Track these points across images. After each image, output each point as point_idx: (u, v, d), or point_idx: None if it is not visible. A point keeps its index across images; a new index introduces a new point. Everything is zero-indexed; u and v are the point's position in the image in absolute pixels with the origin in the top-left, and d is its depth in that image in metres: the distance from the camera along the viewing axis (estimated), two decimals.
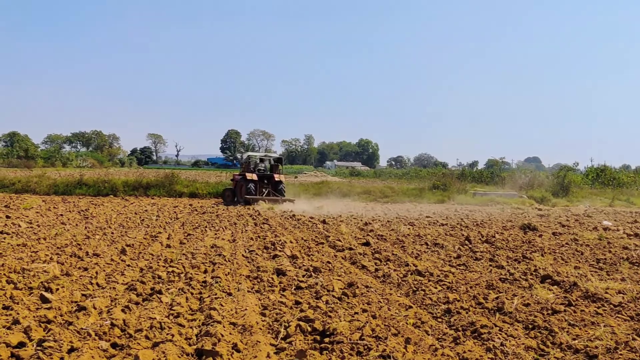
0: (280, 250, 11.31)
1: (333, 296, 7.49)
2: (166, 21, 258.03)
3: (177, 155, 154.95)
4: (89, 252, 10.55)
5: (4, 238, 12.09)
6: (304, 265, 9.75)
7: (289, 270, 9.17)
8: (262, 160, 28.53)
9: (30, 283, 7.59)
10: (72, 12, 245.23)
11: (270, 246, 12.08)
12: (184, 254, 10.71)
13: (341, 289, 8.09)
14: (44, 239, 12.25)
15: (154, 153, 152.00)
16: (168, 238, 13.22)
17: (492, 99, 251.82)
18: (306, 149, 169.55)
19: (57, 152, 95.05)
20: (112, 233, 13.70)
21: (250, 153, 28.64)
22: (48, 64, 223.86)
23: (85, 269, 8.96)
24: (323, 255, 11.20)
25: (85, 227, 14.64)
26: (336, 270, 9.51)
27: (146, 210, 20.57)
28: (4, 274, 8.07)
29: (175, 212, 20.66)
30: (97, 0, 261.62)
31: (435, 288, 8.25)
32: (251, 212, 21.26)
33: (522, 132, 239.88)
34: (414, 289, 8.19)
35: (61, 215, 17.82)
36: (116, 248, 11.18)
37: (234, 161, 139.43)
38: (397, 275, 9.21)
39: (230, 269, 9.31)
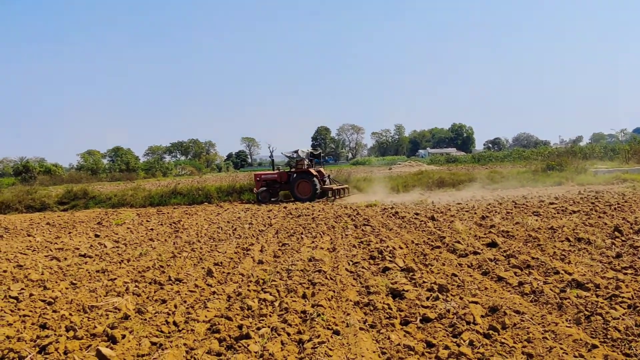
0: (390, 261, 9.40)
1: (477, 331, 5.49)
2: (247, 24, 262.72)
3: (270, 156, 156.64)
4: (171, 276, 9.18)
5: (86, 262, 11.09)
6: (424, 282, 7.76)
7: (407, 291, 7.25)
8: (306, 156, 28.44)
9: (94, 328, 6.19)
10: (167, 25, 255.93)
11: (378, 255, 10.18)
12: (278, 272, 9.09)
13: (483, 316, 6.08)
14: (127, 260, 11.13)
15: (248, 156, 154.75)
16: (261, 251, 11.71)
17: (590, 67, 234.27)
18: (397, 139, 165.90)
19: (157, 162, 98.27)
20: (201, 248, 12.39)
21: (301, 150, 27.96)
22: (148, 79, 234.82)
23: (163, 301, 7.54)
24: (444, 264, 9.16)
25: (174, 243, 13.48)
26: (467, 287, 7.47)
27: (239, 218, 19.35)
28: (67, 316, 6.77)
29: (269, 217, 19.30)
30: (187, 8, 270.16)
31: (614, 309, 5.99)
32: (349, 211, 19.49)
33: (625, 100, 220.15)
34: (586, 312, 5.98)
35: (151, 229, 16.91)
36: (202, 268, 9.77)
37: (326, 157, 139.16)
38: (551, 290, 7.01)
39: (334, 292, 7.52)
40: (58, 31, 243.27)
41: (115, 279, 9.17)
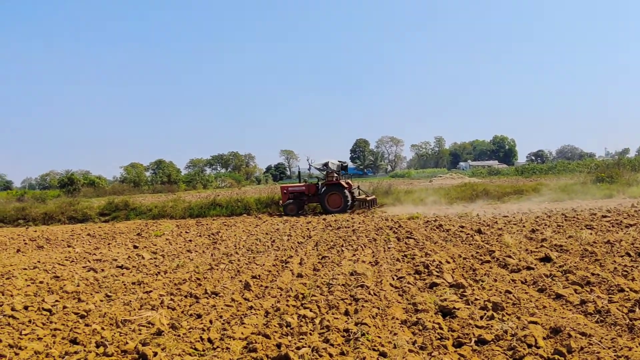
0: (437, 276, 8.86)
1: (540, 356, 4.95)
2: (286, 37, 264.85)
3: (309, 169, 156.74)
4: (207, 289, 8.86)
5: (122, 274, 10.89)
6: (476, 300, 7.20)
7: (458, 309, 6.71)
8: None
9: (126, 344, 5.87)
10: (209, 41, 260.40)
11: (424, 270, 9.64)
12: (318, 286, 8.67)
13: (545, 338, 5.50)
14: (164, 272, 10.89)
15: (287, 168, 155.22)
16: (300, 263, 11.31)
17: (634, 78, 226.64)
18: (437, 152, 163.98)
19: (198, 175, 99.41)
20: (239, 260, 12.08)
21: (331, 162, 27.51)
22: (191, 94, 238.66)
23: (199, 316, 7.19)
24: (496, 280, 8.56)
25: (211, 255, 13.21)
26: (524, 305, 6.88)
27: (277, 229, 19.04)
28: (99, 331, 6.48)
29: (308, 228, 18.93)
30: (227, 24, 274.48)
31: None
32: (390, 224, 18.95)
33: None
34: None
35: (190, 241, 16.74)
36: (240, 281, 9.43)
37: (365, 170, 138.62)
38: (618, 309, 6.37)
39: (378, 309, 7.04)
40: (99, 48, 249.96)
41: (151, 291, 8.90)
